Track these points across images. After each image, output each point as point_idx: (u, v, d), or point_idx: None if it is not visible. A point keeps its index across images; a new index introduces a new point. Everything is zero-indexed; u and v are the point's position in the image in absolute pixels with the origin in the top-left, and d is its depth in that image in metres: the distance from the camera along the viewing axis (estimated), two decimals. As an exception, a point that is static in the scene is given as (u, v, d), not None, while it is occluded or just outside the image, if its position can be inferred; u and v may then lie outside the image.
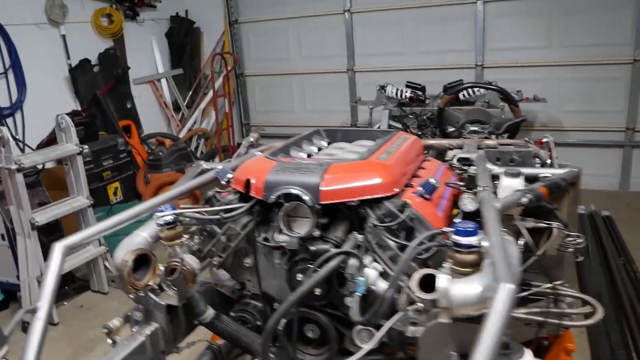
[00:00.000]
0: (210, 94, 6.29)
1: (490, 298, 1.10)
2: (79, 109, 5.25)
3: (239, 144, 6.36)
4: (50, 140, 4.90)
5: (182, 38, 6.40)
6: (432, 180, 1.74)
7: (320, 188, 1.59)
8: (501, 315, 1.02)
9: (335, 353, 1.71)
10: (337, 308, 1.64)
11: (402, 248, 1.59)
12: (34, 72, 4.88)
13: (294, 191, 1.60)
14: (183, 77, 6.53)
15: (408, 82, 4.59)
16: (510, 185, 1.80)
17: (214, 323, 1.75)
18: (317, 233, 1.62)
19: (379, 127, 4.33)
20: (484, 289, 1.22)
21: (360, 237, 1.61)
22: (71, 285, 3.83)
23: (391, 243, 1.59)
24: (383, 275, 1.56)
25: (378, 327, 1.53)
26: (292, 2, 6.30)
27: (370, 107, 4.81)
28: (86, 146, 3.54)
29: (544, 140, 2.41)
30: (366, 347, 1.54)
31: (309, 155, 2.09)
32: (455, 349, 1.35)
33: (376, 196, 1.62)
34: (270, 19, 6.38)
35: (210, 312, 1.75)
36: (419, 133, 3.98)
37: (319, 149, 2.21)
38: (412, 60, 5.79)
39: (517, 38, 5.36)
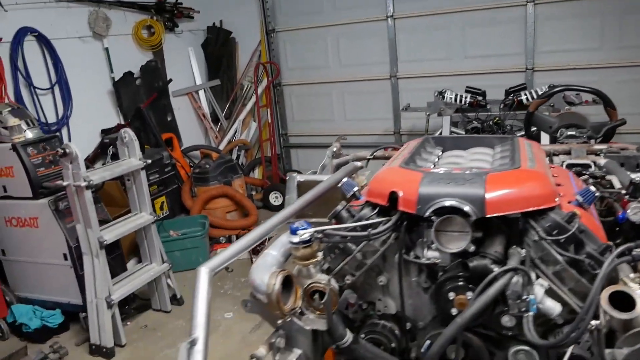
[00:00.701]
0: (249, 104, 6.18)
1: None
2: (123, 122, 5.16)
3: (278, 155, 6.25)
4: (97, 155, 4.81)
5: (218, 48, 6.32)
6: (592, 188, 1.59)
7: (485, 199, 1.45)
8: None
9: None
10: (488, 328, 1.51)
11: (571, 263, 1.45)
12: (79, 86, 4.80)
13: (456, 203, 1.47)
14: (220, 88, 6.44)
15: (468, 87, 4.45)
16: (671, 194, 1.65)
17: (353, 347, 1.61)
18: (472, 248, 1.48)
19: (440, 134, 4.18)
20: None
21: (523, 252, 1.47)
22: (132, 304, 3.70)
23: (559, 258, 1.45)
24: (548, 292, 1.43)
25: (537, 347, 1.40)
26: (330, 10, 6.20)
27: (427, 113, 4.67)
28: (149, 160, 3.43)
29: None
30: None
31: (434, 165, 1.96)
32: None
33: (542, 207, 1.48)
34: (308, 27, 6.28)
35: (349, 336, 1.61)
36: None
37: (438, 158, 2.07)
38: (458, 65, 5.66)
39: (568, 40, 5.21)
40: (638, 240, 1.32)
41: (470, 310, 1.37)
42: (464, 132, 4.13)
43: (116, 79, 5.16)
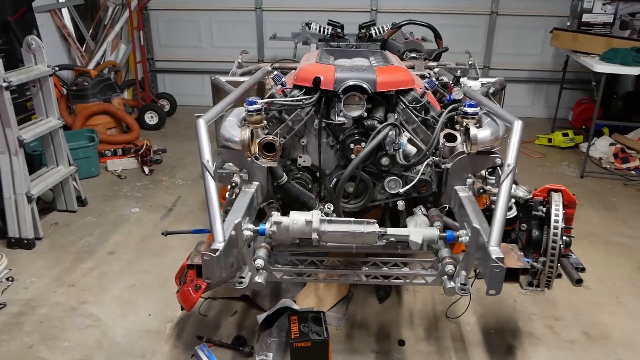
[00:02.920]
0: (118, 26, 6.25)
1: (499, 136, 2.03)
2: (-13, 35, 4.96)
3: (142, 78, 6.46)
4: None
5: (80, -35, 6.16)
6: (433, 79, 2.59)
7: (377, 80, 2.35)
8: (517, 142, 1.93)
9: (370, 199, 2.54)
10: (371, 166, 2.43)
11: (422, 122, 2.45)
12: None
13: (358, 83, 2.34)
14: (84, 8, 6.33)
15: (330, 20, 5.32)
16: (475, 85, 2.75)
17: (286, 186, 2.44)
18: (365, 115, 2.40)
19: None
20: (492, 132, 2.13)
21: (395, 116, 2.42)
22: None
23: (416, 119, 2.44)
24: (409, 141, 2.40)
25: (402, 177, 2.40)
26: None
27: (296, 41, 5.45)
28: (57, 67, 3.65)
29: (469, 62, 3.42)
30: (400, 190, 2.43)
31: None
32: (471, 172, 2.26)
33: (407, 87, 2.44)
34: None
35: (285, 177, 2.44)
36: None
37: (334, 61, 2.90)
38: (319, 3, 6.48)
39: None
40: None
41: (363, 152, 2.29)
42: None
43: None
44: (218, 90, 3.13)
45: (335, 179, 2.49)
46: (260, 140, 2.28)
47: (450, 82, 2.70)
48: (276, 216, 2.11)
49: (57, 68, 3.64)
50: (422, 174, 2.40)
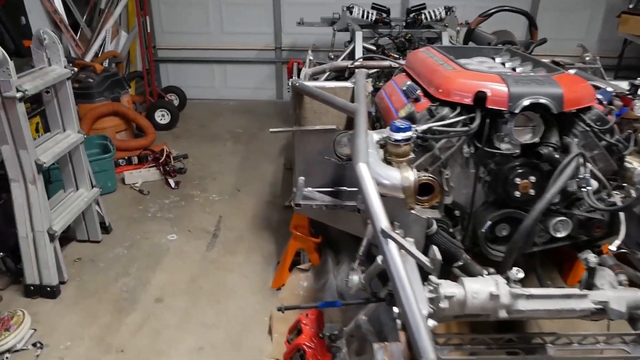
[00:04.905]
0: (118, 10, 5.42)
1: None
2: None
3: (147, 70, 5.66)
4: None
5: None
6: (609, 89, 2.01)
7: (564, 97, 1.74)
8: None
9: (530, 245, 1.96)
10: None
11: (607, 147, 1.87)
12: None
13: (543, 101, 1.73)
14: (77, -11, 5.45)
15: (374, 3, 4.63)
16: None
17: (436, 236, 1.83)
18: (537, 140, 1.80)
19: (353, 49, 4.32)
20: None
21: (575, 140, 1.83)
22: (53, 237, 3.22)
23: (599, 143, 1.85)
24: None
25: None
26: None
27: (335, 29, 4.74)
28: (75, 68, 2.89)
29: (587, 58, 2.83)
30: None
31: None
32: None
33: (590, 104, 1.86)
34: None
35: (435, 225, 1.83)
36: (398, 55, 4.13)
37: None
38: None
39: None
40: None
41: (551, 192, 1.69)
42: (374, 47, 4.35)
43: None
44: (300, 98, 2.46)
45: (489, 223, 1.90)
46: (417, 179, 1.66)
47: (628, 92, 2.10)
48: (446, 287, 1.51)
49: (75, 69, 2.88)
50: (592, 211, 1.85)
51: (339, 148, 2.20)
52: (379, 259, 1.59)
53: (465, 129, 1.79)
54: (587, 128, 1.83)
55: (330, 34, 5.79)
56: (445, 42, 4.10)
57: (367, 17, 4.55)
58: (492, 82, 1.79)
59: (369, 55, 2.95)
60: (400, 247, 1.29)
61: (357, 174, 1.47)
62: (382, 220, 1.35)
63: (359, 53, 4.02)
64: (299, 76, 4.16)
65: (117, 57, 5.46)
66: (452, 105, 1.86)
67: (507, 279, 1.59)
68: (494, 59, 2.44)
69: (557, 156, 1.78)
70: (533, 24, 3.31)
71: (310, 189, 2.56)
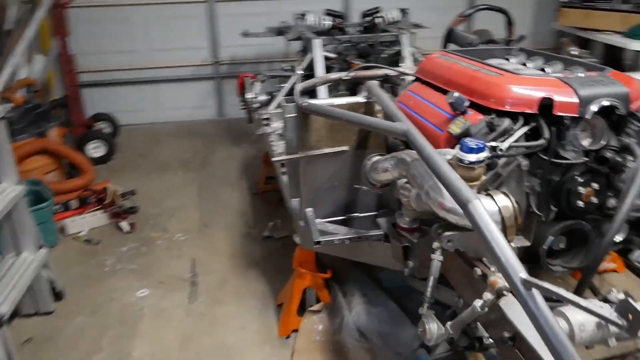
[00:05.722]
0: (31, 31, 4.67)
1: None
2: None
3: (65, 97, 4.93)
4: None
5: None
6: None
7: (630, 97, 1.60)
8: None
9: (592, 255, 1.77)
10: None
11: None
12: None
13: (615, 102, 1.56)
14: (-26, 8, 4.64)
15: (328, 9, 4.34)
16: None
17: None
18: (603, 144, 1.63)
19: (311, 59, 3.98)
20: None
21: (633, 140, 1.68)
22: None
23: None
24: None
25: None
26: None
27: (289, 38, 4.38)
28: (9, 105, 2.31)
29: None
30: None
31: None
32: None
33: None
34: None
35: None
36: (363, 62, 3.87)
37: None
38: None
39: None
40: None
41: (629, 198, 1.51)
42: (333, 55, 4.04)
43: None
44: (308, 120, 2.08)
45: (551, 238, 1.68)
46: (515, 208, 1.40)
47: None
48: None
49: (9, 106, 2.30)
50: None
51: (374, 174, 1.86)
52: (477, 304, 1.31)
53: (541, 142, 1.55)
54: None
55: (274, 45, 5.48)
56: (406, 45, 3.92)
57: (321, 24, 4.26)
58: (555, 87, 1.59)
59: (365, 65, 2.64)
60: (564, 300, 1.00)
61: (469, 215, 1.17)
62: (518, 269, 1.05)
63: (319, 62, 3.74)
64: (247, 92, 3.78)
65: (33, 85, 4.70)
66: (510, 115, 1.61)
67: (605, 300, 1.36)
68: (507, 59, 2.23)
69: (619, 159, 1.60)
70: (510, 22, 3.18)
71: (320, 220, 2.22)
